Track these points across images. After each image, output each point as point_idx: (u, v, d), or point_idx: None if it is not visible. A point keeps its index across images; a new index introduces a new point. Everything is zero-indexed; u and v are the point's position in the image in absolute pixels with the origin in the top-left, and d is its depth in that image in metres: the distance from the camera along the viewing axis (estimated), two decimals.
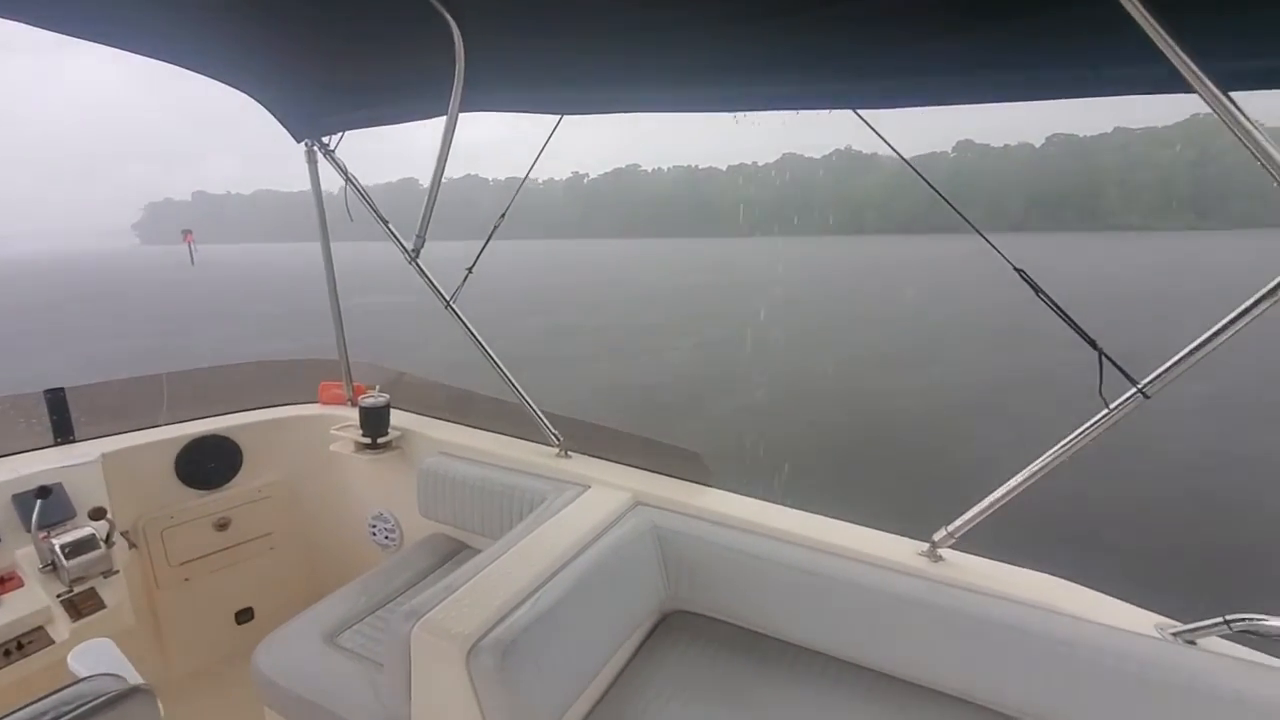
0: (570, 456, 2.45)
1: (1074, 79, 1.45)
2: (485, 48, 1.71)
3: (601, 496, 2.16)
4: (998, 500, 1.70)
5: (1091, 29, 1.24)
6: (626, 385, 12.12)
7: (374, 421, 2.67)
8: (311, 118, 2.39)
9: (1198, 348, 1.45)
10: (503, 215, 2.32)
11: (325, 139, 2.46)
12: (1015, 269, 1.62)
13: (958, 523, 1.77)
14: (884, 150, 1.77)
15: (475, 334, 2.39)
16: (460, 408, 2.87)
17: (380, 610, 2.24)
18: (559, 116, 2.02)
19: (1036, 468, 1.65)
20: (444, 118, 1.96)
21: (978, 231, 1.77)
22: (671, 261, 48.08)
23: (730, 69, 1.65)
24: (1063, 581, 1.79)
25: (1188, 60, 1.17)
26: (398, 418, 2.79)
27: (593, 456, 2.44)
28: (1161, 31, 1.13)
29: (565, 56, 1.73)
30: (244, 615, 2.84)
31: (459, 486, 2.48)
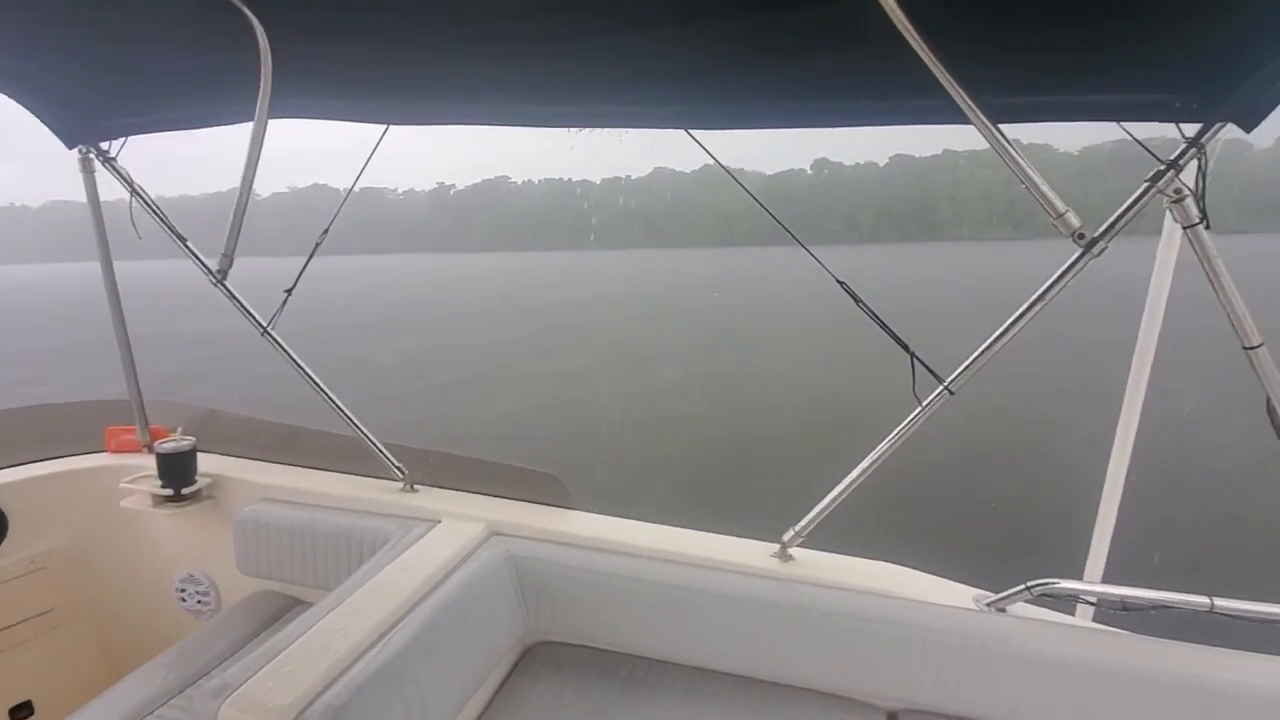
0: (417, 490, 2.33)
1: (882, 110, 1.67)
2: (295, 50, 1.61)
3: (452, 531, 2.07)
4: (836, 497, 1.86)
5: (892, 69, 1.42)
6: (485, 410, 11.89)
7: (176, 469, 2.35)
8: (85, 120, 2.12)
9: (989, 346, 1.70)
10: (325, 231, 2.16)
11: (105, 145, 2.18)
12: (837, 280, 1.79)
13: (803, 522, 1.91)
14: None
15: (298, 361, 2.20)
16: (287, 446, 2.62)
17: (189, 689, 1.97)
18: (385, 126, 1.94)
19: (866, 464, 1.82)
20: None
21: (802, 246, 1.95)
22: (540, 277, 48.12)
23: (567, 87, 1.69)
24: (899, 567, 1.99)
25: (966, 98, 1.38)
26: (207, 463, 2.48)
27: (443, 488, 2.34)
28: (946, 73, 1.33)
29: (388, 64, 1.68)
30: (21, 711, 2.39)
31: (286, 535, 2.26)
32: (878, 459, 1.82)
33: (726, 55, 1.47)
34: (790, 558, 1.95)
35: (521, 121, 1.77)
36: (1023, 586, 1.76)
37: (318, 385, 2.23)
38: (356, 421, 2.29)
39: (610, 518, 2.18)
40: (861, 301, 1.77)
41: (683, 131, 1.79)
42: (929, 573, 1.96)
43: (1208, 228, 1.54)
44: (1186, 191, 1.54)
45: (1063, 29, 1.40)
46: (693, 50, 1.49)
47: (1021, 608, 1.81)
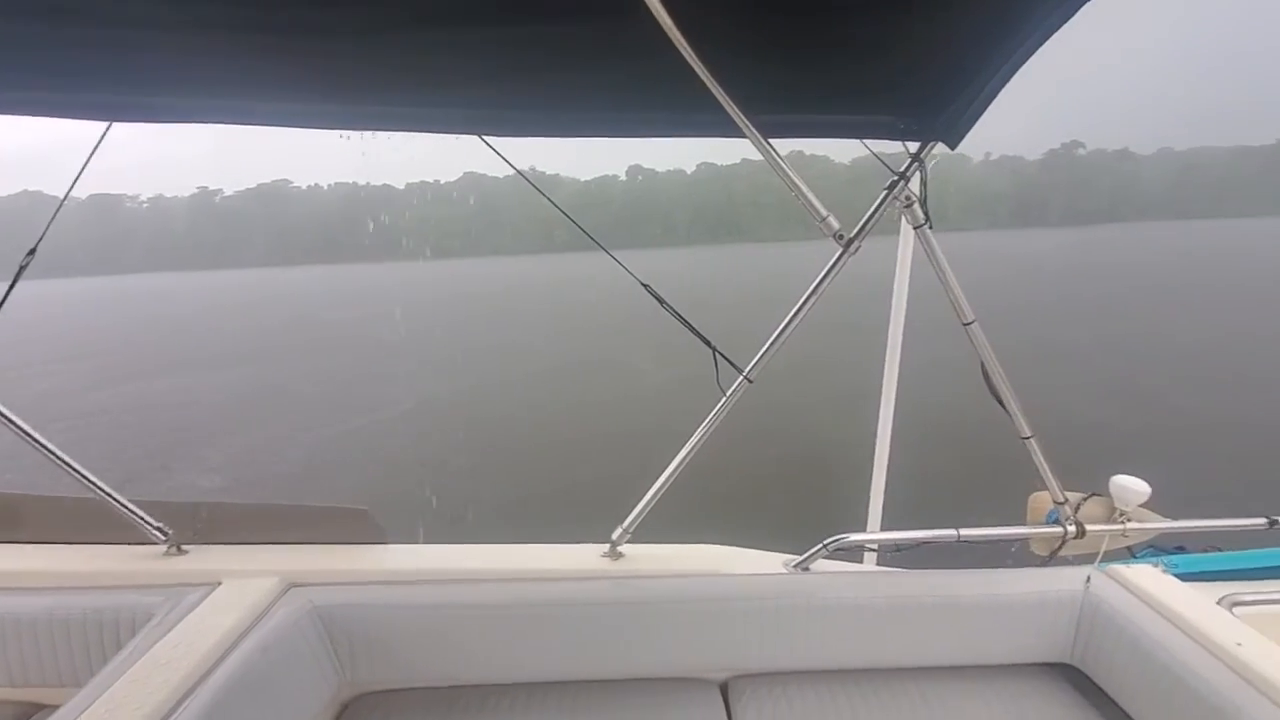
0: (186, 552, 2.02)
1: (667, 122, 1.82)
2: None
3: (237, 591, 1.84)
4: (659, 490, 1.99)
5: (674, 85, 1.55)
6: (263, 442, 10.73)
7: None
8: None
9: (778, 336, 1.94)
10: (32, 251, 1.78)
11: None
12: (641, 283, 1.92)
13: (630, 519, 2.02)
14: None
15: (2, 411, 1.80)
16: (3, 521, 2.12)
17: None
18: (107, 124, 1.67)
19: (683, 455, 1.98)
20: None
21: (603, 249, 2.06)
22: (321, 293, 44.52)
23: (336, 84, 1.60)
24: (721, 547, 2.18)
25: (741, 114, 1.57)
26: None
27: (221, 544, 2.06)
28: (723, 93, 1.49)
29: (105, 50, 1.45)
30: None
31: (14, 629, 1.84)
32: (692, 449, 1.98)
33: (512, 61, 1.51)
34: (620, 555, 2.04)
35: (287, 121, 1.64)
36: (820, 545, 2.04)
37: (25, 435, 1.83)
38: (92, 477, 1.92)
39: (431, 546, 2.10)
40: (664, 302, 1.93)
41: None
42: (748, 547, 2.18)
43: (931, 228, 1.92)
44: (914, 198, 1.91)
45: (813, 60, 1.66)
46: (480, 54, 1.50)
47: (822, 564, 2.08)
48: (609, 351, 18.11)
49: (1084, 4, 1.42)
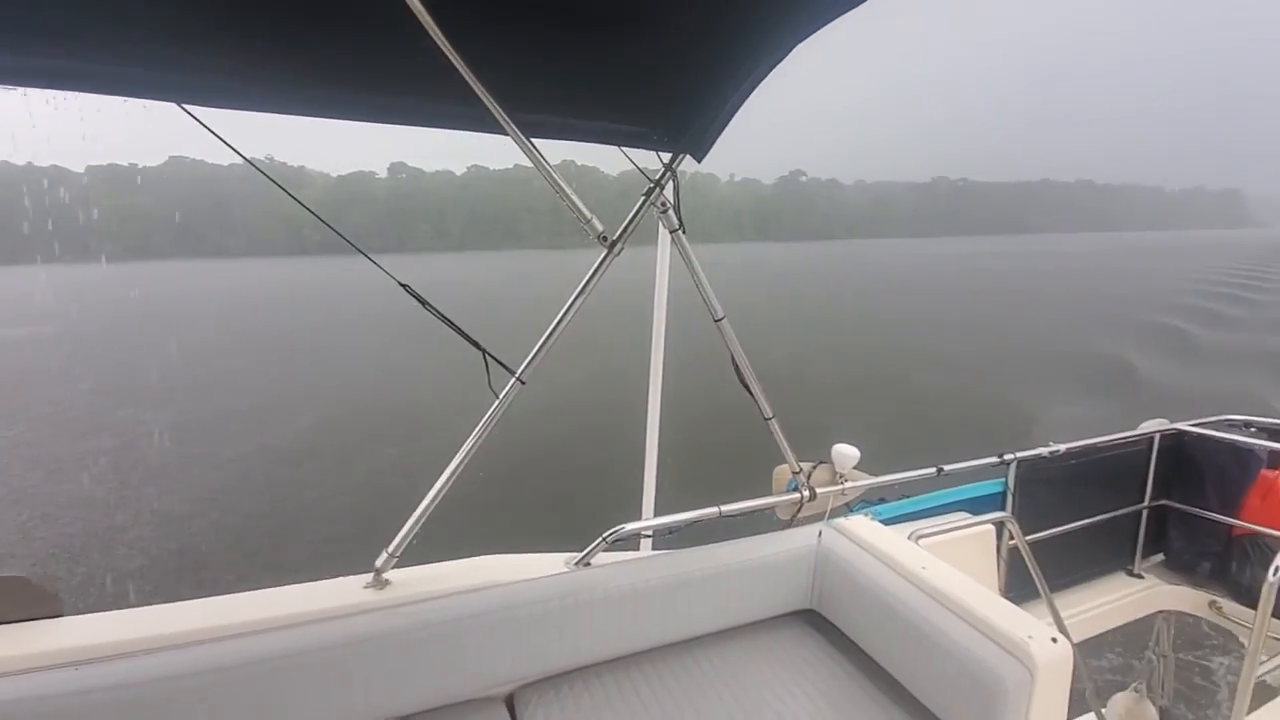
0: None
1: (414, 110, 1.71)
2: None
3: None
4: (429, 506, 1.87)
5: (419, 70, 1.46)
6: None
7: None
8: None
9: (549, 337, 1.95)
10: None
11: None
12: (400, 284, 1.79)
13: (395, 542, 1.86)
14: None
15: None
16: None
17: None
18: None
19: (456, 465, 1.89)
20: None
21: (361, 252, 1.88)
22: None
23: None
24: (499, 556, 2.12)
25: (500, 111, 1.54)
26: None
27: None
28: (480, 85, 1.44)
29: None
30: None
31: None
32: (466, 456, 1.90)
33: (217, 17, 1.29)
34: (387, 583, 1.87)
35: None
36: (599, 539, 2.10)
37: None
38: None
39: (134, 610, 1.70)
40: (427, 304, 1.82)
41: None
42: (531, 551, 2.15)
43: (685, 233, 2.10)
44: (669, 204, 2.06)
45: (576, 69, 1.71)
46: (178, 2, 1.26)
47: (603, 557, 2.14)
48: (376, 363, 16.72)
49: (797, 44, 1.68)
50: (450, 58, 1.38)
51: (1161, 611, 3.68)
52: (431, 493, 1.86)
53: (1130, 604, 3.58)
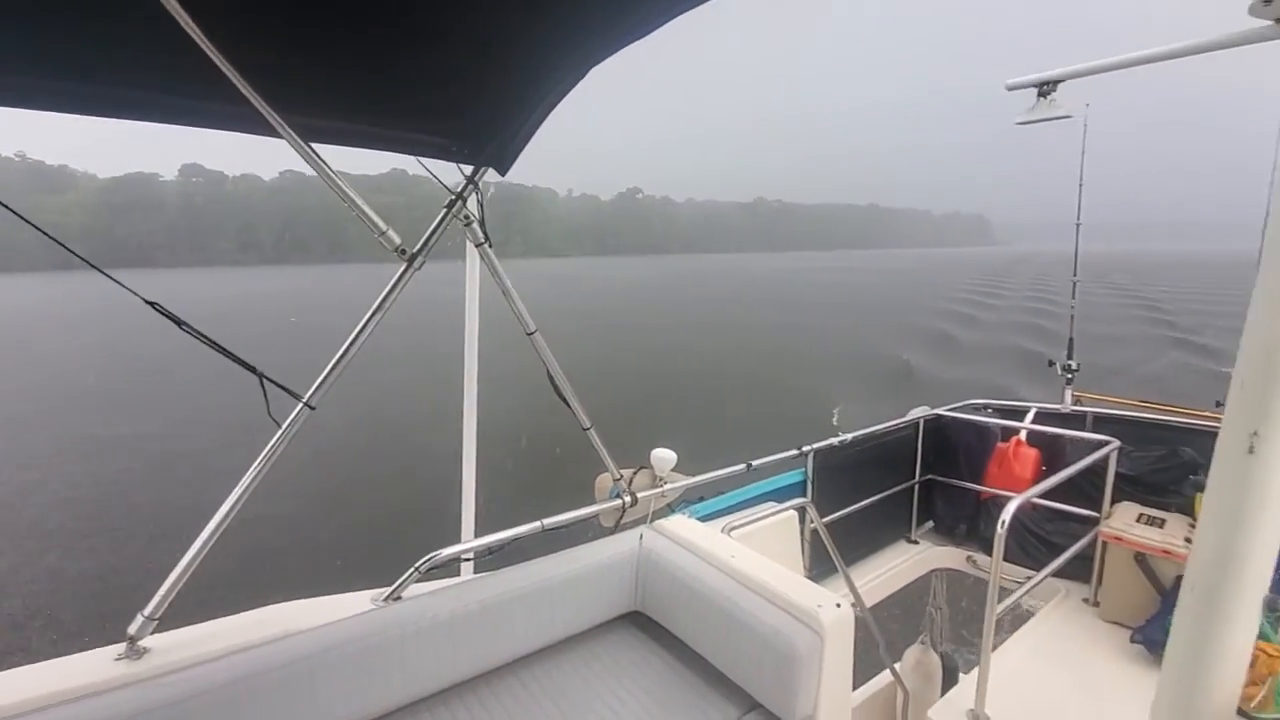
0: None
1: (166, 106, 1.50)
2: None
3: None
4: (195, 558, 1.61)
5: (184, 66, 1.27)
6: None
7: None
8: None
9: (341, 357, 1.79)
10: None
11: None
12: (147, 302, 1.54)
13: (154, 603, 1.58)
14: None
15: None
16: None
17: None
18: None
19: (228, 508, 1.65)
20: None
21: (99, 270, 1.60)
22: None
23: None
24: (290, 603, 1.90)
25: (272, 112, 1.38)
26: None
27: None
28: (245, 83, 1.28)
29: None
30: None
31: None
32: (243, 494, 1.68)
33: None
34: (145, 651, 1.59)
35: None
36: (412, 569, 1.97)
37: None
38: None
39: None
40: (185, 324, 1.58)
41: None
42: (327, 594, 1.95)
43: (491, 246, 2.05)
44: (474, 218, 2.01)
45: (365, 75, 1.59)
46: None
47: (417, 589, 2.01)
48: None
49: (592, 68, 1.72)
50: (208, 51, 1.23)
51: (935, 570, 4.29)
52: (199, 541, 1.61)
53: (910, 566, 4.13)
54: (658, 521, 2.54)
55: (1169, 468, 3.56)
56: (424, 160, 1.93)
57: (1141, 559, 3.21)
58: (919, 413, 4.23)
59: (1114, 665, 3.04)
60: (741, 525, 2.63)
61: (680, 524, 2.51)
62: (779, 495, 3.30)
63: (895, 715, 3.75)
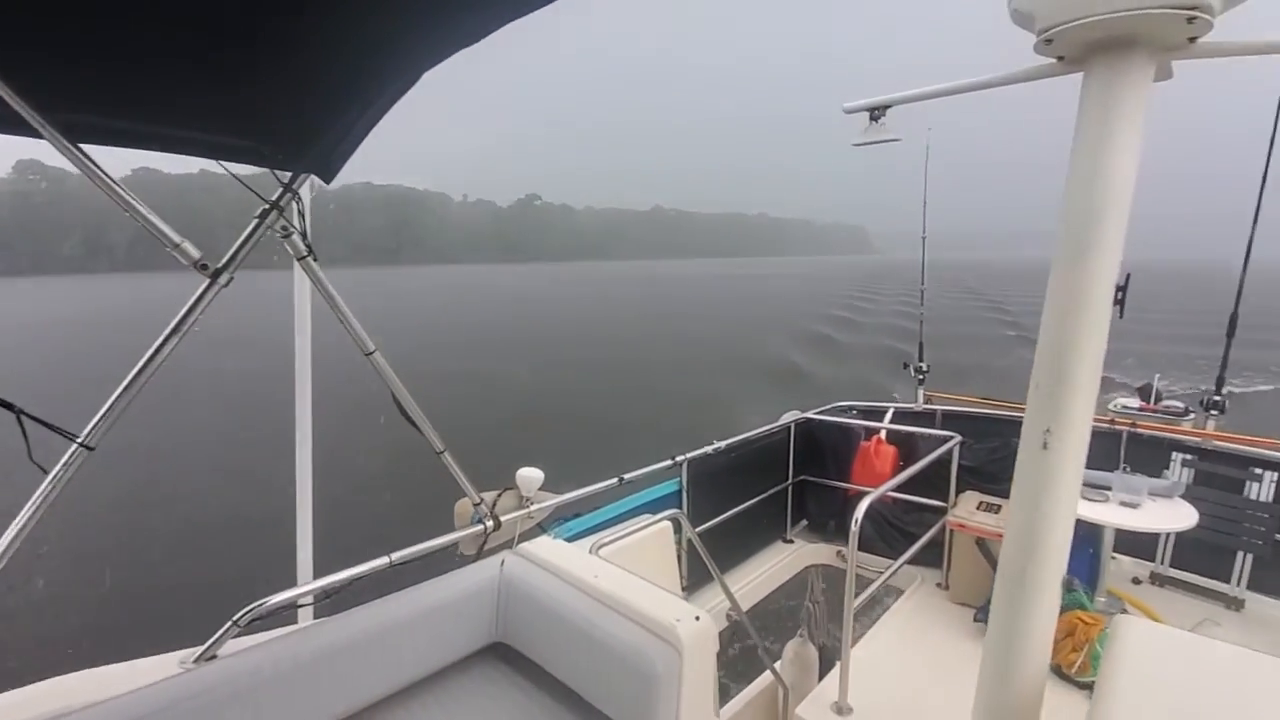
0: None
1: None
2: None
3: None
4: None
5: None
6: None
7: None
8: None
9: (126, 389, 1.55)
10: None
11: None
12: None
13: None
14: None
15: None
16: None
17: None
18: None
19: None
20: None
21: None
22: None
23: None
24: (81, 673, 1.63)
25: (28, 108, 1.17)
26: None
27: None
28: None
29: None
30: None
31: None
32: (7, 548, 1.42)
33: None
34: None
35: None
36: (229, 623, 1.75)
37: None
38: None
39: None
40: None
41: None
42: (125, 659, 1.69)
43: (315, 259, 1.87)
44: (293, 229, 1.82)
45: (140, 61, 1.38)
46: None
47: (237, 644, 1.79)
48: None
49: (424, 72, 1.61)
50: None
51: (810, 566, 4.46)
52: None
53: (787, 565, 4.27)
54: (522, 545, 2.44)
55: (1002, 458, 3.91)
56: (230, 165, 1.72)
57: (981, 543, 3.50)
58: (790, 417, 4.40)
59: (961, 644, 3.28)
60: (611, 541, 2.58)
61: (545, 546, 2.41)
62: (654, 507, 3.28)
63: (778, 712, 3.86)
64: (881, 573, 3.28)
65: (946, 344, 22.10)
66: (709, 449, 3.66)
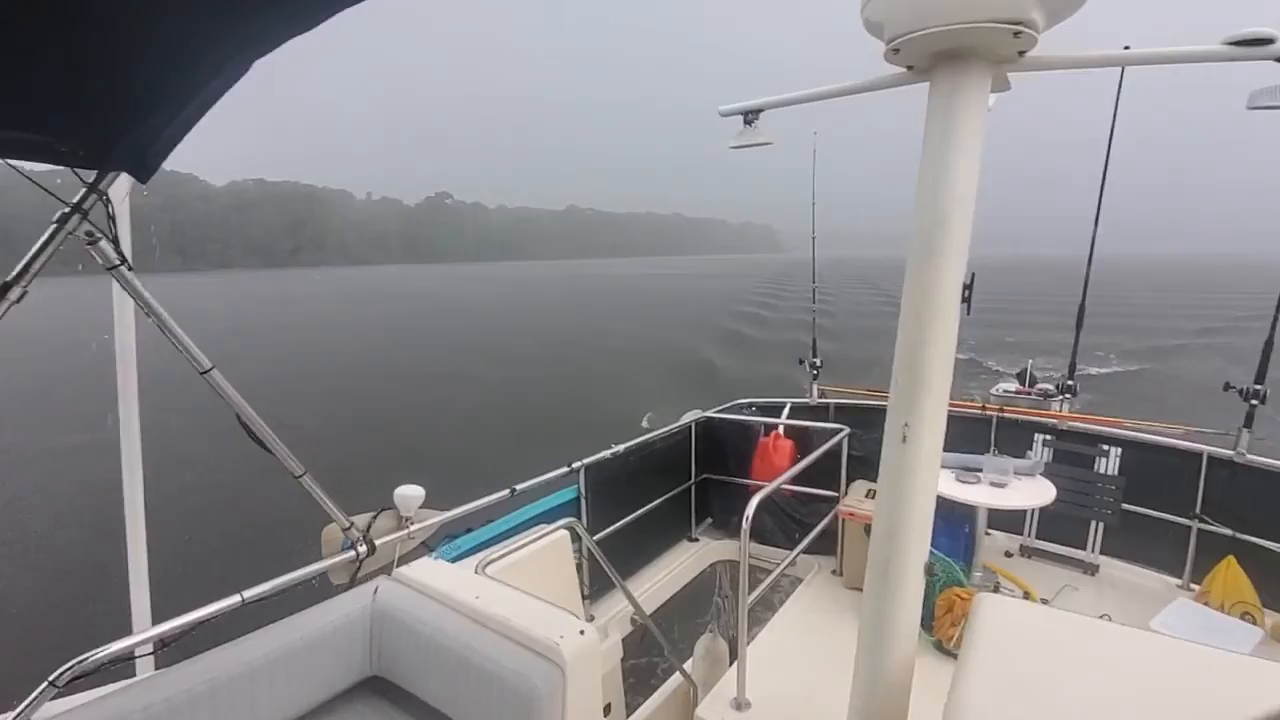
0: None
1: None
2: None
3: None
4: None
5: None
6: None
7: None
8: None
9: None
10: None
11: None
12: None
13: None
14: None
15: None
16: None
17: None
18: None
19: None
20: None
21: None
22: None
23: None
24: None
25: None
26: None
27: None
28: None
29: None
30: None
31: None
32: None
33: None
34: None
35: None
36: (45, 683, 1.52)
37: None
38: None
39: None
40: None
41: None
42: None
43: (131, 268, 1.66)
44: (100, 235, 1.60)
45: None
46: None
47: (60, 704, 1.56)
48: None
49: (254, 61, 1.45)
50: None
51: (715, 562, 4.53)
52: None
53: (693, 563, 4.31)
54: (400, 569, 2.29)
55: None
56: (18, 164, 1.49)
57: (870, 529, 3.66)
58: (691, 416, 4.44)
59: (853, 627, 3.42)
60: (500, 557, 2.48)
61: (425, 569, 2.28)
62: (551, 516, 3.21)
63: (690, 712, 3.88)
64: (779, 564, 3.37)
65: (849, 337, 23.33)
66: (608, 453, 3.62)
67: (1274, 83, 1.52)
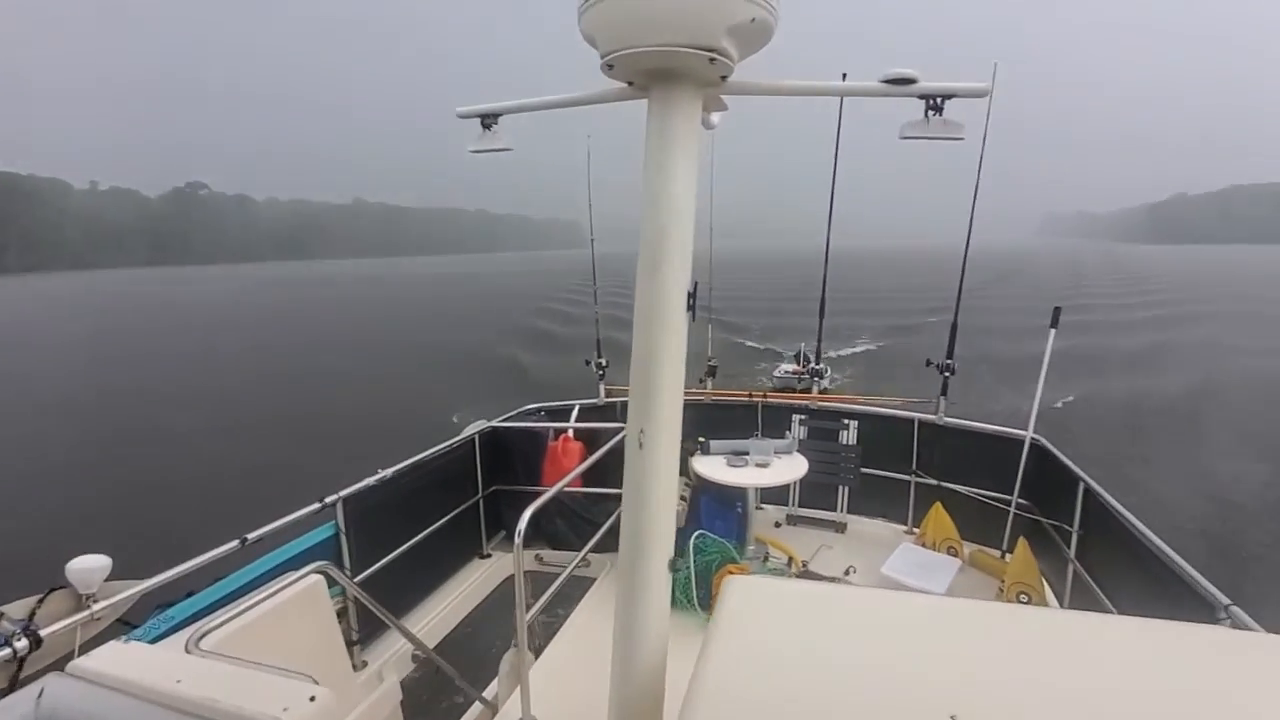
0: None
1: None
2: None
3: None
4: None
5: None
6: None
7: None
8: None
9: None
10: None
11: None
12: None
13: None
14: None
15: None
16: None
17: None
18: None
19: None
20: None
21: None
22: None
23: None
24: None
25: None
26: None
27: None
28: None
29: None
30: None
31: None
32: None
33: None
34: None
35: None
36: None
37: None
38: None
39: None
40: None
41: None
42: None
43: None
44: None
45: None
46: None
47: None
48: None
49: None
50: None
51: (511, 575, 4.40)
52: None
53: (487, 580, 4.15)
54: (77, 662, 1.83)
55: None
56: None
57: None
58: (474, 428, 4.26)
59: None
60: (221, 625, 2.10)
61: (112, 656, 1.85)
62: (300, 561, 2.83)
63: None
64: (564, 567, 3.36)
65: None
66: (372, 480, 3.30)
67: (918, 117, 1.79)
